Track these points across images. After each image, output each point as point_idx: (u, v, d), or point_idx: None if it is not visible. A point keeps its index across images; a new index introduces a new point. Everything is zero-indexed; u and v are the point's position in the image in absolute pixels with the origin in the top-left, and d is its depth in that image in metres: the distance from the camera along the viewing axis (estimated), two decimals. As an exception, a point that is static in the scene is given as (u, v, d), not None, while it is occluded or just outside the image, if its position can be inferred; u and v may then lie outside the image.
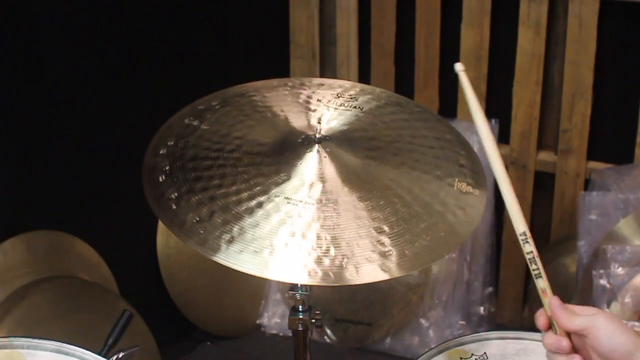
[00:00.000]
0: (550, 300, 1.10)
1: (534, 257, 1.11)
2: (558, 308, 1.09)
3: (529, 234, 1.11)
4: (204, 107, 1.44)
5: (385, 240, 1.22)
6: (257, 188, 1.27)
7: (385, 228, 1.23)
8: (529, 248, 1.11)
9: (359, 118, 1.42)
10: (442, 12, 2.55)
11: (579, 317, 1.09)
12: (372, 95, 1.49)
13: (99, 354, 1.32)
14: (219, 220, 1.23)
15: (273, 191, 1.26)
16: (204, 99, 1.47)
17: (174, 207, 1.26)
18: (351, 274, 1.18)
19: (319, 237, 1.21)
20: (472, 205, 1.31)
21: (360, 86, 1.52)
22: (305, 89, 1.49)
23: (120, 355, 1.46)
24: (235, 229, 1.22)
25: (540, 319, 1.11)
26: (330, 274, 1.18)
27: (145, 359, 2.18)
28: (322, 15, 2.71)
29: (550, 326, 1.10)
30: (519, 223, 1.12)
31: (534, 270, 1.11)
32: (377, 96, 1.49)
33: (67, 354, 1.30)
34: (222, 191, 1.27)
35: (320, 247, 1.20)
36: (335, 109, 1.43)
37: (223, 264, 1.19)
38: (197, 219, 1.24)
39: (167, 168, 1.32)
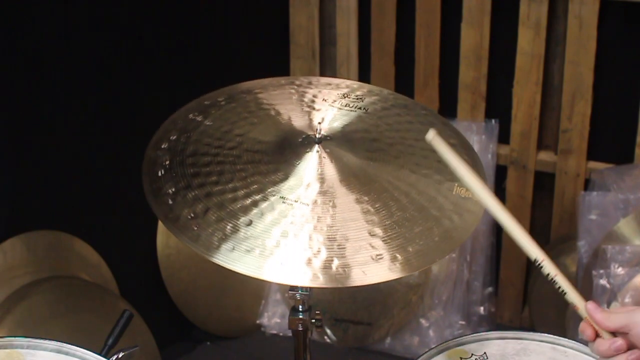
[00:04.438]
0: (586, 305, 1.11)
1: (552, 279, 1.12)
2: (595, 311, 1.10)
3: (540, 258, 1.11)
4: (210, 102, 1.43)
5: (378, 243, 1.21)
6: (254, 186, 1.26)
7: (379, 231, 1.22)
8: (546, 271, 1.12)
9: (363, 119, 1.41)
10: (442, 12, 2.54)
11: (618, 314, 1.10)
12: (379, 96, 1.47)
13: (99, 354, 1.31)
14: (213, 218, 1.22)
15: (269, 190, 1.25)
16: (211, 95, 1.45)
17: (170, 202, 1.25)
18: (341, 276, 1.17)
19: (310, 238, 1.20)
20: (470, 210, 1.29)
21: (367, 87, 1.50)
22: (311, 88, 1.47)
23: (120, 355, 1.46)
24: (228, 227, 1.21)
25: (587, 330, 1.11)
26: (320, 275, 1.17)
27: (145, 359, 2.18)
28: (322, 15, 2.71)
29: (597, 335, 1.11)
30: (530, 251, 1.12)
31: (558, 289, 1.12)
32: (384, 97, 1.47)
33: (67, 354, 1.30)
34: (219, 188, 1.26)
35: (312, 248, 1.19)
36: (340, 109, 1.41)
37: (214, 261, 1.18)
38: (192, 215, 1.23)
39: (167, 163, 1.30)
